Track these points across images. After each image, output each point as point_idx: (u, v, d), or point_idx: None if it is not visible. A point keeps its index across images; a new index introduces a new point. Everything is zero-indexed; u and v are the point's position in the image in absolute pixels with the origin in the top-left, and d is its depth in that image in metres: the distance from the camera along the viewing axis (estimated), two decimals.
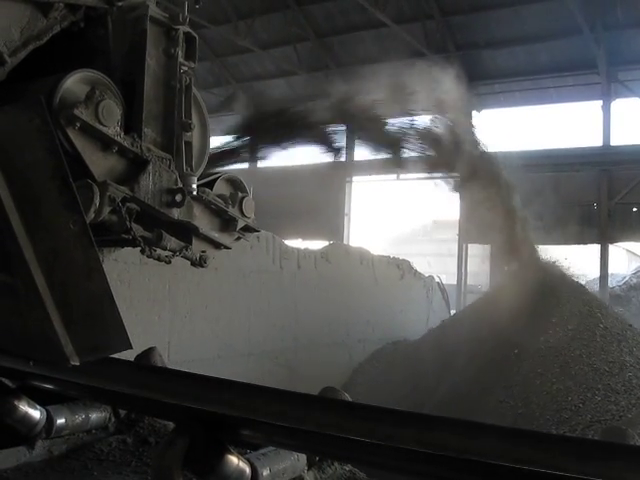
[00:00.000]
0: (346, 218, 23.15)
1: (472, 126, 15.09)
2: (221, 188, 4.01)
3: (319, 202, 20.14)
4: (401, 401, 10.16)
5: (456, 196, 15.51)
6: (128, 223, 3.31)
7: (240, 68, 24.97)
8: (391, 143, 12.17)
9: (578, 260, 16.71)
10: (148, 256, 3.52)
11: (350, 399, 3.39)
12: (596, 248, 18.49)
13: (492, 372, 10.86)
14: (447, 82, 12.51)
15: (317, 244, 14.42)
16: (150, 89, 3.52)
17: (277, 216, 17.73)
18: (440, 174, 13.86)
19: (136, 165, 3.40)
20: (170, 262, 3.67)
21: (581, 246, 18.68)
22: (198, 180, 3.73)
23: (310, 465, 3.37)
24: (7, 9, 3.22)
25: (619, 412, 9.27)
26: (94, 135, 3.20)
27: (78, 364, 2.81)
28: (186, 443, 2.75)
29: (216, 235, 3.92)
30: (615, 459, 2.20)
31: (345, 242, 20.71)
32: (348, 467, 3.54)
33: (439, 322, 14.80)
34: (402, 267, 15.74)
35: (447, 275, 20.30)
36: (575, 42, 18.31)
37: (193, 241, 3.78)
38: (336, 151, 13.27)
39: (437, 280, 17.41)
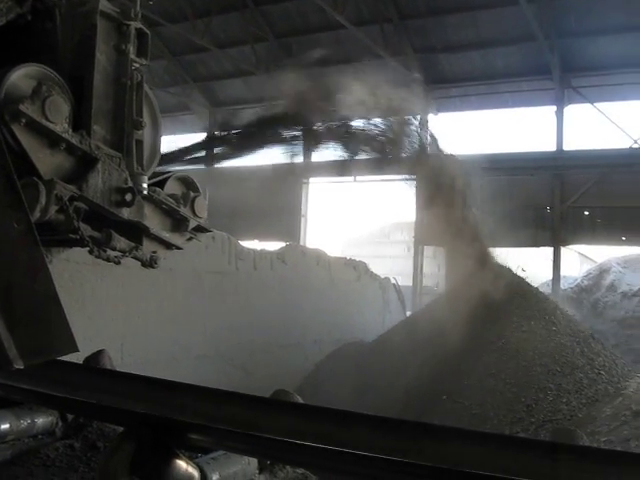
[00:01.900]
0: (303, 219, 23.12)
1: (429, 129, 15.19)
2: (173, 187, 3.95)
3: (276, 203, 20.08)
4: (357, 403, 10.16)
5: (412, 198, 15.60)
6: (76, 223, 3.23)
7: (197, 67, 24.76)
8: (348, 144, 12.18)
9: (532, 262, 16.97)
10: (97, 256, 3.44)
11: (302, 401, 3.35)
12: (549, 251, 18.76)
13: (447, 373, 10.94)
14: (404, 84, 12.59)
15: (273, 245, 14.35)
16: (100, 85, 3.44)
17: (233, 217, 17.67)
18: (397, 176, 13.92)
19: (85, 163, 3.32)
20: (119, 263, 3.60)
21: (534, 249, 18.94)
22: (149, 179, 3.66)
23: (261, 469, 3.32)
24: None
25: (570, 412, 9.41)
26: (41, 132, 3.12)
27: (22, 367, 2.73)
28: (133, 448, 2.69)
29: (167, 235, 3.85)
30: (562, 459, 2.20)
31: (302, 243, 20.67)
32: (301, 470, 3.50)
33: (395, 323, 14.85)
34: (358, 269, 15.77)
35: (403, 277, 20.40)
36: (530, 48, 18.56)
37: (143, 241, 3.71)
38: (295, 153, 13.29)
39: (393, 281, 17.49)
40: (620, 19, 16.80)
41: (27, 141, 3.08)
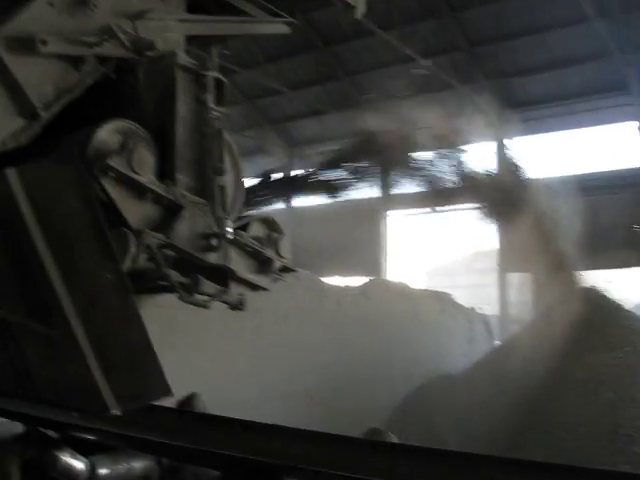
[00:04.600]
0: (384, 253, 23.04)
1: (506, 155, 15.00)
2: (256, 230, 4.00)
3: (356, 238, 20.11)
4: (449, 439, 9.98)
5: (494, 225, 15.37)
6: (165, 270, 3.30)
7: (271, 110, 25.23)
8: (425, 176, 12.15)
9: (624, 285, 16.39)
10: (186, 302, 3.50)
11: (396, 440, 3.30)
12: None
13: (538, 406, 10.62)
14: (478, 112, 12.51)
15: (356, 280, 14.35)
16: (182, 136, 3.55)
17: (315, 254, 17.77)
18: (477, 204, 13.75)
19: (171, 211, 3.42)
20: (208, 307, 3.65)
21: (626, 270, 18.28)
22: (233, 223, 3.73)
23: None
24: (40, 65, 3.29)
25: None
26: (128, 183, 3.23)
27: (119, 413, 2.80)
28: None
29: (253, 277, 3.90)
30: None
31: (384, 277, 20.60)
32: None
33: (483, 354, 14.55)
34: (443, 300, 15.56)
35: (489, 306, 20.03)
36: (605, 64, 18.18)
37: (230, 285, 3.76)
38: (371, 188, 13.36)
39: (479, 311, 17.18)
40: None
41: (116, 193, 3.19)
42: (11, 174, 2.71)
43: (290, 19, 4.59)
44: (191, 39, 4.10)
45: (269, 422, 3.36)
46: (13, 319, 3.10)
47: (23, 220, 2.74)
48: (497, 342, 16.85)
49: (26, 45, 3.21)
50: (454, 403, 12.03)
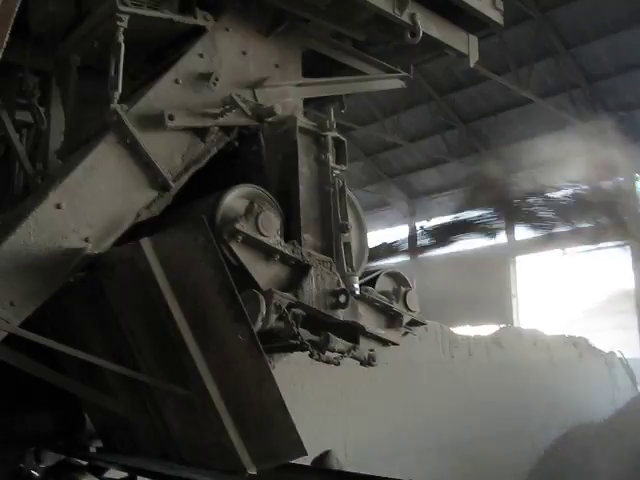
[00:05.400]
0: (514, 300, 22.45)
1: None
2: (383, 284, 4.00)
3: (484, 286, 19.71)
4: None
5: (630, 264, 14.72)
6: (295, 329, 3.34)
7: (391, 163, 25.42)
8: (555, 218, 11.84)
9: None
10: (317, 359, 3.52)
11: None
12: None
13: None
14: (605, 147, 12.13)
15: (486, 329, 14.03)
16: (305, 196, 3.63)
17: (443, 304, 17.52)
18: (610, 243, 13.24)
19: (298, 271, 3.47)
20: (339, 364, 3.66)
21: None
22: (360, 279, 3.75)
23: None
24: (169, 139, 3.49)
25: None
26: (256, 246, 3.31)
27: (255, 473, 2.84)
28: None
29: (383, 332, 3.88)
30: None
31: (516, 324, 20.03)
32: None
33: (625, 401, 13.80)
34: (579, 345, 14.93)
35: (630, 349, 19.01)
36: None
37: (360, 340, 3.75)
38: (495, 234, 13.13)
39: (619, 355, 16.34)
40: None
41: (245, 256, 3.28)
42: (145, 244, 2.86)
43: (404, 73, 4.65)
44: (308, 100, 4.23)
45: (406, 477, 3.30)
46: (152, 382, 3.22)
47: (158, 287, 2.86)
48: None
49: (155, 121, 3.41)
50: (597, 454, 11.45)
